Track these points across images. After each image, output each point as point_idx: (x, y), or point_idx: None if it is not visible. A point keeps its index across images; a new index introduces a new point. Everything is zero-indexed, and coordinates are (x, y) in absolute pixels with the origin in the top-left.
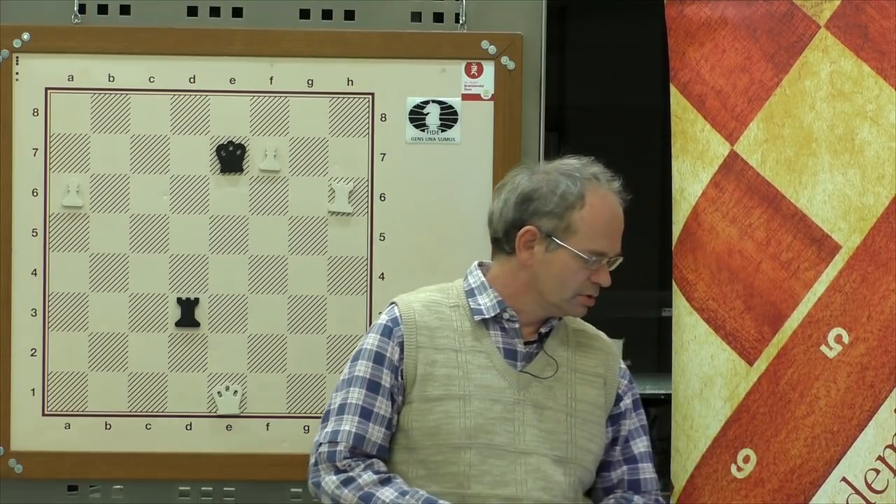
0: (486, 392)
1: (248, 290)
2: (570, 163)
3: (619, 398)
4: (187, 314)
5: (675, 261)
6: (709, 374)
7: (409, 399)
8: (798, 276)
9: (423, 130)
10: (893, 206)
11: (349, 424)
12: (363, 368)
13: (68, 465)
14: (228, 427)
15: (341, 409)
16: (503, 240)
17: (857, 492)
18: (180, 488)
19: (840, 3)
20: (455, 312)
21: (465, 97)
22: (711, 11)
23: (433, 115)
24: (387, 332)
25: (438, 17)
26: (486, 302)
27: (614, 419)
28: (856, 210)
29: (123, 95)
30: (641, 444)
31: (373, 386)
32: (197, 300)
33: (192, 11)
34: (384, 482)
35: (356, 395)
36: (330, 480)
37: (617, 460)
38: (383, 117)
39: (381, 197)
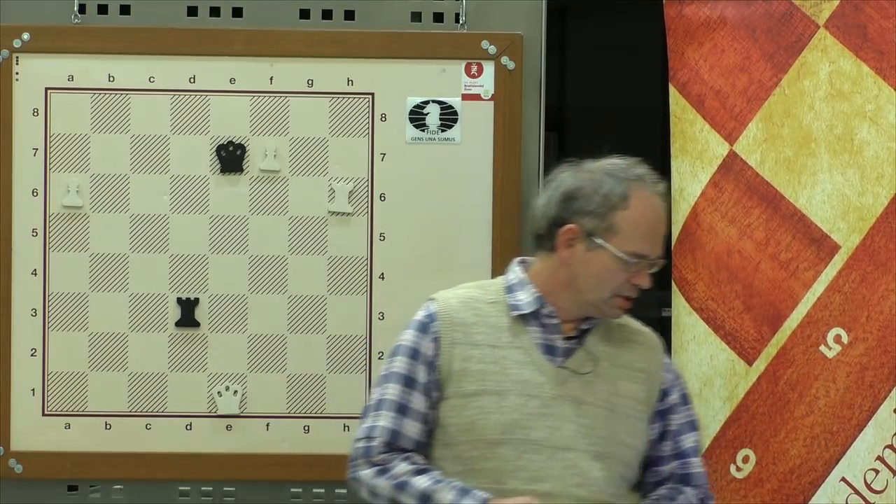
0: (523, 387)
1: (248, 290)
2: (616, 163)
3: (665, 393)
4: (187, 314)
5: (675, 261)
6: (708, 374)
7: (446, 395)
8: (797, 276)
9: (423, 130)
10: (893, 206)
11: (385, 420)
12: (399, 364)
13: (68, 465)
14: (228, 427)
15: (378, 406)
16: (545, 236)
17: (857, 492)
18: (180, 488)
19: (839, 3)
20: (493, 308)
21: (465, 97)
22: (710, 11)
23: (433, 115)
24: (423, 328)
25: (438, 17)
26: (524, 298)
27: (661, 414)
28: (855, 210)
29: (123, 95)
30: (691, 439)
31: (408, 381)
32: (197, 300)
33: (192, 11)
34: (419, 472)
35: (392, 391)
36: (366, 473)
37: (667, 455)
38: (383, 117)
39: (381, 197)
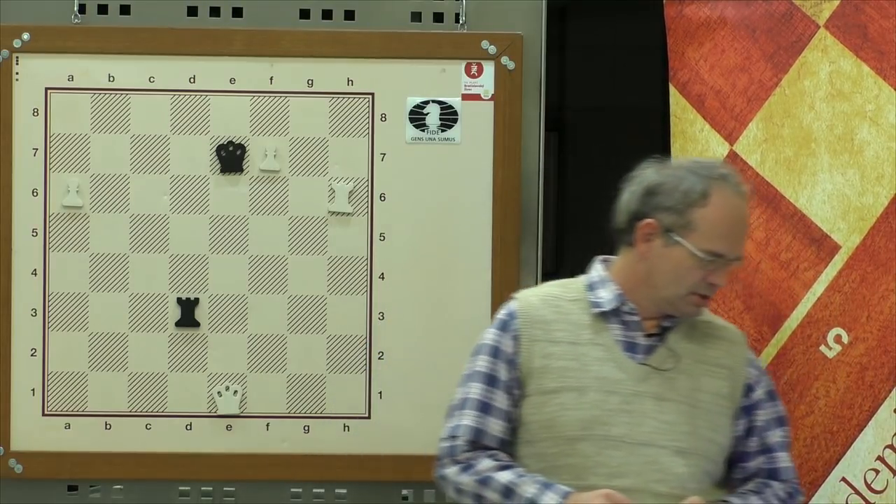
0: (603, 384)
1: (248, 290)
2: (701, 161)
3: (749, 389)
4: (187, 314)
5: None
6: None
7: (527, 392)
8: (797, 276)
9: (423, 130)
10: (893, 206)
11: (468, 419)
12: (482, 363)
13: (68, 465)
14: (228, 427)
15: (461, 405)
16: (625, 231)
17: (857, 492)
18: (180, 488)
19: (839, 2)
20: (575, 306)
21: (465, 97)
22: (711, 11)
23: (433, 115)
24: (503, 326)
25: (438, 17)
26: (605, 295)
27: (747, 410)
28: (855, 210)
29: (123, 95)
30: (778, 435)
31: (490, 380)
32: (197, 300)
33: (192, 11)
34: (503, 468)
35: (475, 390)
36: (451, 471)
37: (753, 451)
38: (383, 117)
39: (381, 197)
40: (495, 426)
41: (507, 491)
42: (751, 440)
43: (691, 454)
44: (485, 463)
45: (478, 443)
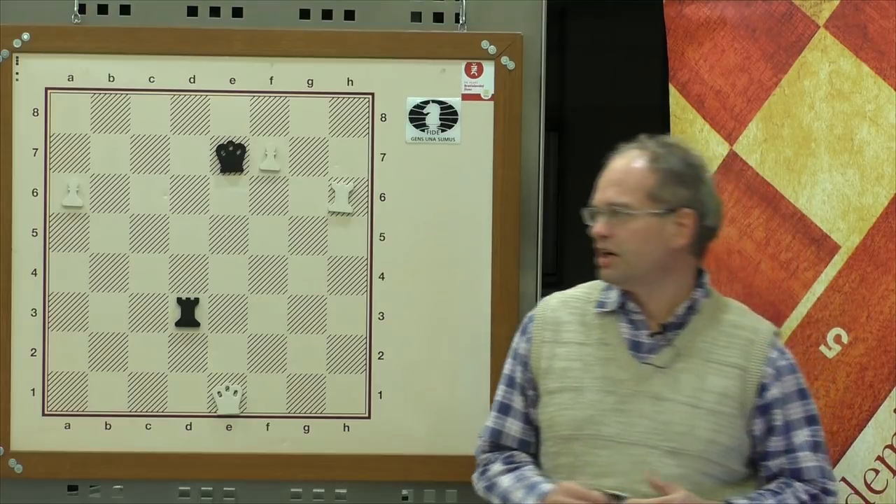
0: (603, 384)
1: (248, 290)
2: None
3: (763, 388)
4: (187, 314)
5: None
6: None
7: (539, 393)
8: (797, 276)
9: (423, 130)
10: (892, 206)
11: (491, 421)
12: (507, 366)
13: (68, 465)
14: (228, 427)
15: (492, 407)
16: None
17: (857, 492)
18: (180, 488)
19: (839, 2)
20: (591, 306)
21: (465, 97)
22: (710, 11)
23: (433, 115)
24: (523, 329)
25: (438, 17)
26: (613, 295)
27: (762, 410)
28: (855, 210)
29: (123, 95)
30: (802, 434)
31: (510, 381)
32: (197, 300)
33: (192, 11)
34: (509, 471)
35: (500, 392)
36: (475, 474)
37: (775, 451)
38: (383, 117)
39: (381, 197)
40: (513, 427)
41: (504, 497)
42: (772, 439)
43: (685, 455)
44: (495, 467)
45: (497, 443)
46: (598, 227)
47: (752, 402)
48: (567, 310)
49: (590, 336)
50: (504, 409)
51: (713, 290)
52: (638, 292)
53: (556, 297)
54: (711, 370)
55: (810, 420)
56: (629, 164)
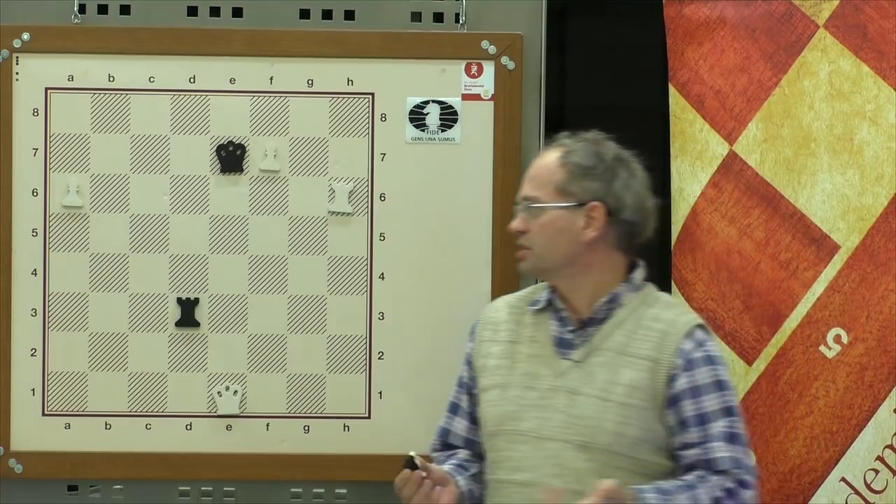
0: (526, 380)
1: (248, 290)
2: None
3: (672, 378)
4: (187, 314)
5: (674, 261)
6: None
7: (479, 391)
8: (797, 276)
9: (423, 130)
10: (892, 206)
11: (442, 420)
12: (461, 367)
13: (68, 465)
14: (228, 427)
15: (446, 407)
16: None
17: (857, 492)
18: (180, 488)
19: (839, 2)
20: (532, 305)
21: (465, 97)
22: (710, 11)
23: (433, 115)
24: (471, 330)
25: (438, 17)
26: (545, 294)
27: (672, 401)
28: (855, 210)
29: (123, 95)
30: (717, 426)
31: (459, 382)
32: (197, 300)
33: (192, 11)
34: None
35: (452, 392)
36: None
37: (689, 442)
38: (383, 117)
39: (381, 197)
40: (460, 426)
41: None
42: (688, 431)
43: (594, 449)
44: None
45: (446, 442)
46: (515, 222)
47: (663, 394)
48: (508, 310)
49: (521, 334)
50: (453, 409)
51: (647, 284)
52: (560, 287)
53: (503, 299)
54: (625, 363)
55: (727, 412)
56: (543, 160)
